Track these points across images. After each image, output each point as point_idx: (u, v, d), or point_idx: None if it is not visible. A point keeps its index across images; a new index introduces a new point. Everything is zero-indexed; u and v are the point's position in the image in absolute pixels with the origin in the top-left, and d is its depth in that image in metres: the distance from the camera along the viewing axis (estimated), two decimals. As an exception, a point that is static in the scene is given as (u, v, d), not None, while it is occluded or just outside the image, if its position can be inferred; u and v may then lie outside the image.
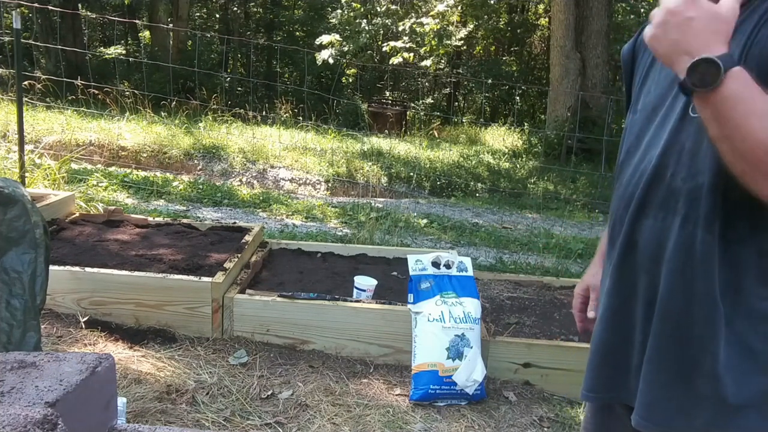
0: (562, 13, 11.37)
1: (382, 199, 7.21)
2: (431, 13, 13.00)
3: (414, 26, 13.02)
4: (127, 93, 9.30)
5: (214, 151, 8.20)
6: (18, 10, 4.62)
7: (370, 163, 8.65)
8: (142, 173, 6.75)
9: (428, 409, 2.43)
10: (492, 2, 15.53)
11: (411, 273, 2.64)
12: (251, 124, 10.26)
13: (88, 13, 15.30)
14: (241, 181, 7.72)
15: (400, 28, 13.19)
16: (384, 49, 12.94)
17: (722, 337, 1.01)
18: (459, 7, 14.09)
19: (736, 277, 1.01)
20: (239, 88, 15.63)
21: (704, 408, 1.02)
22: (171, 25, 16.12)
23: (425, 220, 5.79)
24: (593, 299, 1.32)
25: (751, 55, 0.95)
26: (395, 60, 12.54)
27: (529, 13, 18.69)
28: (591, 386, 1.20)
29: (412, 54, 12.86)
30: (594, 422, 1.29)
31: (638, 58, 1.23)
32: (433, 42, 13.16)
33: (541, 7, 17.30)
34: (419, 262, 2.65)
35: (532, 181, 9.46)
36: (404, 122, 12.97)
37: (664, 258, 1.05)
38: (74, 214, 3.83)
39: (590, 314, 1.32)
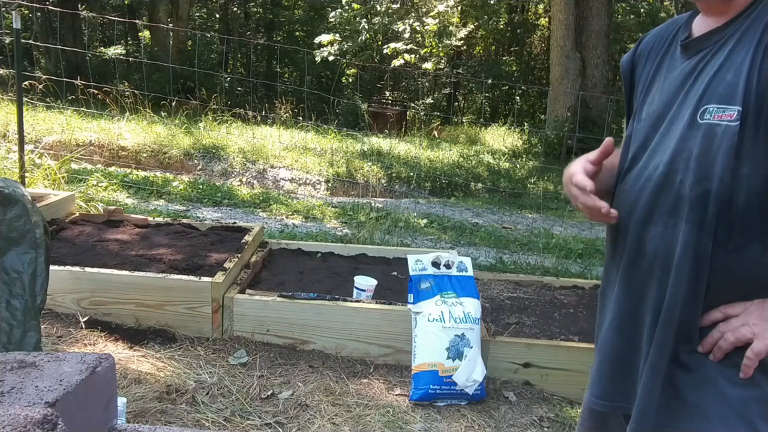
0: (562, 13, 11.37)
1: (382, 199, 7.20)
2: (431, 14, 13.00)
3: (414, 26, 13.02)
4: (127, 93, 9.30)
5: (213, 151, 8.20)
6: (18, 10, 4.62)
7: (370, 163, 8.65)
8: (142, 173, 6.74)
9: (428, 409, 2.43)
10: (492, 2, 15.53)
11: (411, 273, 2.64)
12: (251, 124, 10.26)
13: (88, 13, 15.29)
14: (241, 181, 7.72)
15: (400, 29, 13.19)
16: (384, 51, 12.93)
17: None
18: (459, 8, 14.09)
19: (731, 285, 1.02)
20: (239, 88, 15.63)
21: (693, 413, 1.03)
22: (171, 25, 16.11)
23: (425, 220, 5.79)
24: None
25: (763, 69, 0.96)
26: (396, 63, 12.55)
27: (529, 13, 18.69)
28: (601, 394, 1.18)
29: (413, 56, 12.85)
30: (590, 426, 1.26)
31: (638, 69, 1.24)
32: (433, 43, 13.16)
33: (541, 7, 17.30)
34: (419, 262, 2.65)
35: (532, 181, 9.46)
36: (404, 122, 12.96)
37: (673, 265, 1.04)
38: (74, 214, 3.83)
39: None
